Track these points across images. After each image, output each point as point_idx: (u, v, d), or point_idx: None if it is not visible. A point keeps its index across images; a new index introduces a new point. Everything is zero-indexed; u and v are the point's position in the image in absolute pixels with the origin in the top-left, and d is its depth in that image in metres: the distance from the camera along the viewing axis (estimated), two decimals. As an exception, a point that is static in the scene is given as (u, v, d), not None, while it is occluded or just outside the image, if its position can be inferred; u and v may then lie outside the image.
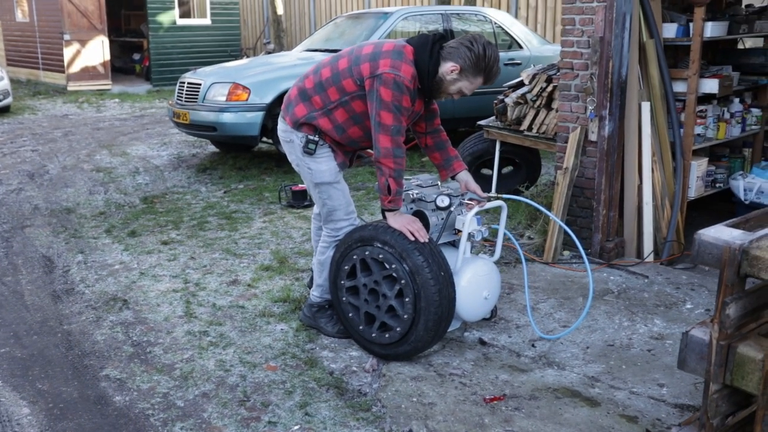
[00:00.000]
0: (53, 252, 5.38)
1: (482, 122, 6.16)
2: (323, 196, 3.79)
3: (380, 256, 3.59)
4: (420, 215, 3.85)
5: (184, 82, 7.88)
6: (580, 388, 3.48)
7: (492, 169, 6.37)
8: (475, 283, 3.81)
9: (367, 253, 3.65)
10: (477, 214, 3.83)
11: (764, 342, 2.73)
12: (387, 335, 3.64)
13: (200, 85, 7.57)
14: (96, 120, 11.99)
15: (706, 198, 5.68)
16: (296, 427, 3.12)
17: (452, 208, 3.77)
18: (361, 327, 3.76)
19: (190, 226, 5.91)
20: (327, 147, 3.71)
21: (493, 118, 6.09)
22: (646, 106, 4.98)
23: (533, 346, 3.91)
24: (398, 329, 3.60)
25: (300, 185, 6.41)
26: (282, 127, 3.77)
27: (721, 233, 2.77)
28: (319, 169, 3.71)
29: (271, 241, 5.49)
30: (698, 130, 5.26)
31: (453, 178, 3.92)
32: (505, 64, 8.30)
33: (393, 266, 3.55)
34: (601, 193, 4.93)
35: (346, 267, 3.77)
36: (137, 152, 9.22)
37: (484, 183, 6.30)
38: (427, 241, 3.56)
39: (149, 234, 5.73)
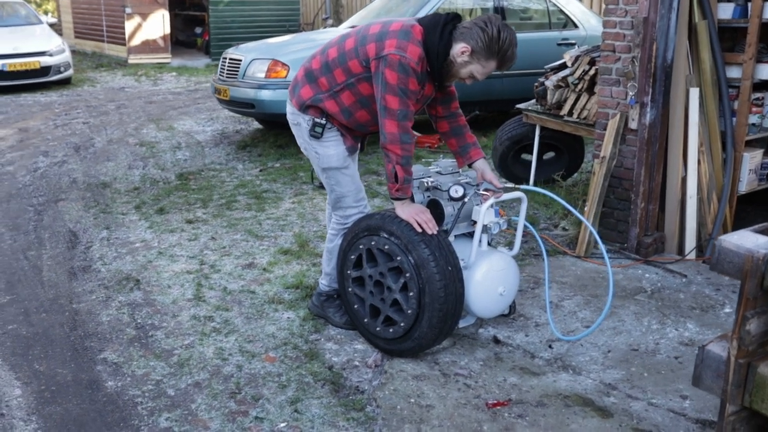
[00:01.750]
0: (80, 227, 5.39)
1: (521, 105, 5.87)
2: (331, 181, 3.62)
3: (386, 246, 3.41)
4: (435, 205, 3.65)
5: (226, 58, 7.80)
6: (594, 396, 3.25)
7: (533, 154, 6.09)
8: (490, 278, 3.60)
9: (373, 243, 3.48)
10: (493, 205, 3.60)
11: (789, 362, 2.44)
12: (391, 330, 3.47)
13: (241, 61, 7.48)
14: (150, 93, 12.10)
15: (765, 192, 5.27)
16: (283, 425, 2.98)
17: (466, 199, 3.55)
18: (366, 320, 3.60)
19: (218, 205, 5.83)
20: (335, 130, 3.53)
21: (533, 101, 5.80)
22: (694, 93, 4.62)
23: (550, 347, 3.68)
24: (402, 324, 3.42)
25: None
26: (289, 109, 3.61)
27: (744, 240, 2.48)
28: (327, 153, 3.54)
29: (296, 223, 5.37)
30: (753, 119, 4.87)
31: (470, 166, 3.69)
32: (559, 44, 7.94)
33: (398, 258, 3.37)
34: (640, 185, 4.62)
35: (352, 256, 3.60)
36: (183, 127, 9.23)
37: (524, 169, 6.04)
38: (435, 233, 3.35)
39: (177, 212, 5.68)
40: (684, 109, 4.63)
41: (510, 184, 3.73)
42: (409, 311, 3.37)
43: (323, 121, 3.48)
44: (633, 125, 4.57)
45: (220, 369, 3.41)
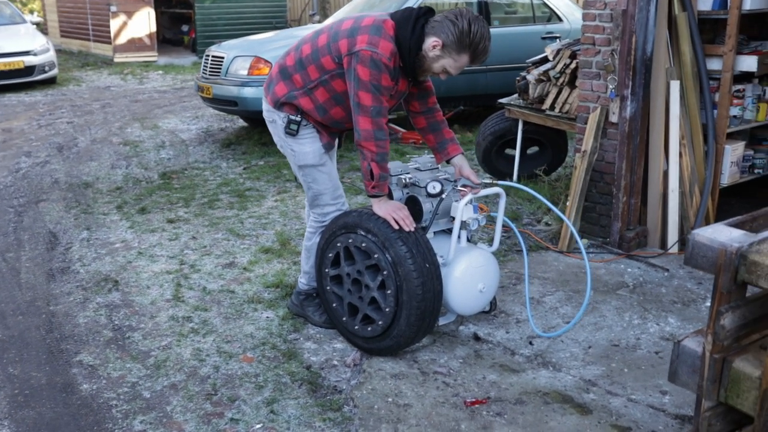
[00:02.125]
0: (60, 228, 5.34)
1: (503, 100, 5.85)
2: (308, 179, 3.58)
3: (363, 244, 3.38)
4: (413, 201, 3.62)
5: (209, 55, 7.75)
6: (573, 392, 3.23)
7: (516, 149, 6.07)
8: (469, 274, 3.57)
9: (350, 240, 3.45)
10: (472, 201, 3.58)
11: (765, 357, 2.42)
12: (369, 328, 3.44)
13: (224, 58, 7.43)
14: (136, 92, 12.02)
15: (748, 184, 5.26)
16: (258, 426, 2.95)
17: (443, 195, 3.52)
18: (344, 318, 3.57)
19: (200, 204, 5.79)
20: (311, 127, 3.49)
21: (515, 96, 5.77)
22: (675, 85, 4.60)
23: (530, 343, 3.65)
24: (380, 323, 3.39)
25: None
26: (265, 106, 3.57)
27: (718, 234, 2.46)
28: (303, 150, 3.51)
29: (278, 222, 5.33)
30: (734, 111, 4.85)
31: (448, 162, 3.66)
32: (543, 38, 7.90)
33: (376, 256, 3.34)
34: (622, 179, 4.60)
35: (330, 254, 3.57)
36: (168, 126, 9.17)
37: (508, 164, 6.02)
38: (412, 230, 3.32)
39: (158, 211, 5.64)
40: (665, 102, 4.61)
41: (488, 180, 3.69)
42: (386, 309, 3.35)
43: (298, 118, 3.44)
44: (614, 119, 4.55)
45: (196, 370, 3.37)
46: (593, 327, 3.81)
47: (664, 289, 4.22)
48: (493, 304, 3.91)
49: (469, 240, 3.83)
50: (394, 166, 3.73)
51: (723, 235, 2.45)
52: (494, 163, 6.09)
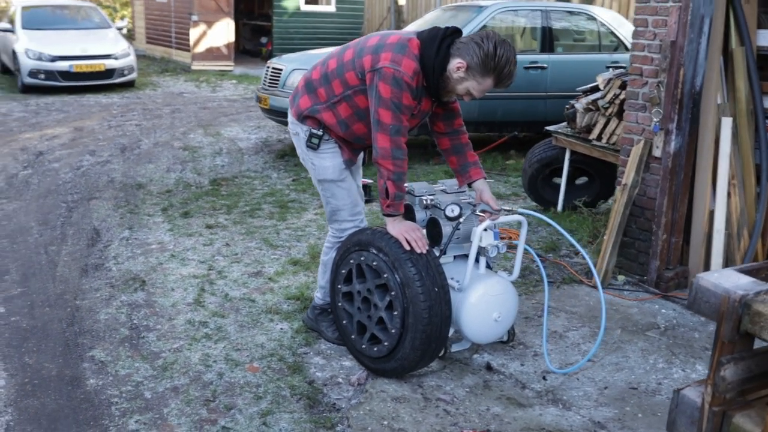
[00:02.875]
0: (104, 226, 5.49)
1: (551, 127, 5.72)
2: (326, 194, 3.58)
3: (374, 263, 3.35)
4: (434, 224, 3.57)
5: (269, 67, 7.88)
6: (579, 433, 3.10)
7: (569, 178, 5.94)
8: (484, 302, 3.49)
9: (362, 258, 3.42)
10: (494, 228, 3.51)
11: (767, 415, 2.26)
12: (375, 348, 3.40)
13: (282, 70, 7.54)
14: (207, 99, 12.34)
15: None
16: (248, 437, 2.94)
17: (461, 219, 3.46)
18: (353, 336, 3.53)
19: (241, 212, 5.87)
20: (332, 142, 3.49)
21: (564, 123, 5.65)
22: (726, 122, 4.41)
23: (544, 378, 3.53)
24: (386, 343, 3.34)
25: (365, 179, 6.21)
26: (289, 119, 3.59)
27: (724, 279, 2.32)
28: (323, 165, 3.50)
29: (313, 235, 5.35)
30: (791, 153, 4.60)
31: (470, 185, 3.60)
32: (608, 67, 7.73)
33: (385, 275, 3.30)
34: (663, 216, 4.42)
35: (343, 271, 3.55)
36: (229, 133, 9.36)
37: (554, 193, 5.89)
38: (424, 252, 3.27)
39: (200, 216, 5.74)
40: (714, 138, 4.42)
41: (508, 207, 3.60)
42: (392, 330, 3.30)
43: (320, 133, 3.44)
44: (657, 153, 4.39)
45: (201, 375, 3.39)
46: (613, 367, 3.66)
47: (697, 334, 4.02)
48: (511, 334, 3.80)
49: (489, 267, 3.76)
50: (419, 186, 3.70)
51: (729, 281, 2.31)
52: (540, 191, 5.96)
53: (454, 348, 3.69)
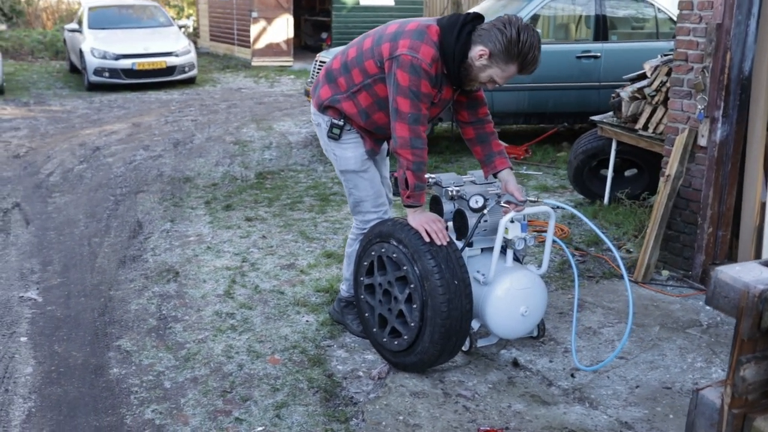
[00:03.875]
0: (148, 218, 5.59)
1: (596, 117, 5.53)
2: (349, 185, 3.53)
3: (394, 255, 3.28)
4: (461, 215, 3.48)
5: (317, 60, 7.88)
6: (603, 434, 2.97)
7: (618, 169, 5.74)
8: (511, 296, 3.38)
9: (383, 250, 3.35)
10: (523, 219, 3.40)
11: (793, 418, 2.11)
12: (396, 342, 3.34)
13: (329, 63, 7.51)
14: (263, 95, 12.47)
15: None
16: (260, 429, 2.92)
17: (486, 211, 3.36)
18: (375, 329, 3.48)
19: (282, 205, 5.88)
20: (354, 132, 3.43)
21: (611, 113, 5.45)
22: (778, 109, 4.17)
23: (572, 376, 3.40)
24: (406, 337, 3.28)
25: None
26: (311, 109, 3.55)
27: (745, 273, 2.16)
28: (345, 155, 3.45)
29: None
30: None
31: (495, 176, 3.49)
32: (664, 55, 7.44)
33: (405, 268, 3.23)
34: (708, 208, 4.21)
35: (365, 263, 3.50)
36: (281, 128, 9.42)
37: (602, 185, 5.70)
38: (444, 243, 3.19)
39: (241, 209, 5.78)
40: (765, 126, 4.18)
41: (533, 198, 3.48)
42: (412, 324, 3.23)
43: (341, 123, 3.39)
44: (702, 142, 4.18)
45: (221, 366, 3.40)
46: (647, 365, 3.50)
47: (742, 333, 3.80)
48: (541, 329, 3.68)
49: (519, 260, 3.65)
50: (446, 177, 3.62)
51: (750, 274, 2.15)
52: (586, 183, 5.78)
53: (481, 343, 3.59)
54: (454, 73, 3.13)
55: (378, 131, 3.43)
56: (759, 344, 2.14)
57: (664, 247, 4.51)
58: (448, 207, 3.60)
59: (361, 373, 3.38)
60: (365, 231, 3.56)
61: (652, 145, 4.96)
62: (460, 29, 3.07)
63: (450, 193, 3.52)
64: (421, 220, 3.21)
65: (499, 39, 3.00)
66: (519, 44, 2.99)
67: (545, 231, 3.59)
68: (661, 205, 4.36)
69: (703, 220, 4.25)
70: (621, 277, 4.47)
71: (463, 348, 3.52)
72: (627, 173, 5.88)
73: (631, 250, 4.79)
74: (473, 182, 3.65)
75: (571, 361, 3.52)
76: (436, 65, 3.06)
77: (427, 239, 3.17)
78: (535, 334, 3.69)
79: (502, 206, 3.38)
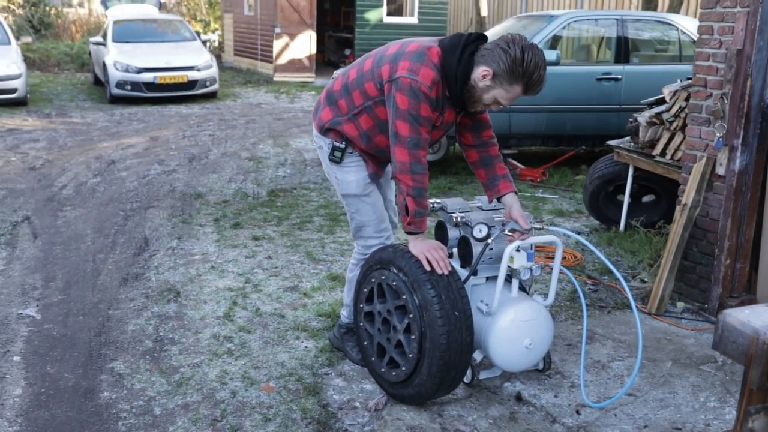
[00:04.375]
0: (155, 235, 5.53)
1: (612, 142, 5.39)
2: (351, 209, 3.43)
3: (394, 283, 3.17)
4: (465, 242, 3.37)
5: (333, 77, 7.81)
6: (607, 477, 2.82)
7: (635, 195, 5.61)
8: (515, 327, 3.25)
9: (383, 277, 3.25)
10: (531, 248, 3.28)
11: (805, 475, 1.96)
12: (394, 373, 3.22)
13: (345, 81, 7.45)
14: (283, 110, 12.45)
15: None
16: (247, 462, 2.82)
17: (490, 240, 3.24)
18: (373, 358, 3.37)
19: (291, 224, 5.80)
20: (356, 155, 3.34)
21: (628, 138, 5.31)
22: (801, 138, 4.01)
23: (578, 413, 3.26)
24: (404, 368, 3.16)
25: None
26: (313, 132, 3.47)
27: (755, 317, 2.03)
28: (346, 179, 3.36)
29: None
30: None
31: (499, 200, 3.37)
32: (688, 78, 7.29)
33: (404, 297, 3.12)
34: (726, 239, 4.06)
35: (365, 289, 3.39)
36: (298, 144, 9.38)
37: (618, 211, 5.56)
38: (446, 273, 3.07)
39: (250, 227, 5.70)
40: (787, 156, 4.03)
41: (538, 225, 3.35)
42: (410, 355, 3.11)
43: (342, 145, 3.30)
44: (720, 171, 4.04)
45: (214, 393, 3.30)
46: (657, 404, 3.34)
47: (759, 371, 3.64)
48: (547, 362, 3.54)
49: (526, 291, 3.53)
50: (452, 203, 3.51)
51: (761, 319, 2.02)
52: (602, 209, 5.63)
53: (484, 375, 3.46)
54: (457, 96, 3.03)
55: (380, 154, 3.33)
56: (769, 394, 2.00)
57: (679, 278, 4.36)
58: (453, 233, 3.49)
59: (357, 404, 3.27)
60: (366, 256, 3.46)
61: (670, 172, 4.82)
62: (462, 50, 2.97)
63: (455, 220, 3.41)
64: (422, 247, 3.10)
65: (502, 59, 2.90)
66: (524, 64, 2.88)
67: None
68: (677, 234, 4.21)
69: (721, 251, 4.09)
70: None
71: (465, 380, 3.40)
72: (644, 200, 5.73)
73: (646, 280, 4.64)
74: (480, 208, 3.54)
75: (577, 397, 3.38)
76: (436, 88, 2.97)
77: (428, 268, 3.06)
78: (540, 367, 3.56)
79: (507, 234, 3.26)
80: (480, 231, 3.26)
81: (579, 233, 5.66)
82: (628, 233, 5.37)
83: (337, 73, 7.87)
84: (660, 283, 4.24)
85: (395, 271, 3.18)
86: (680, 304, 4.36)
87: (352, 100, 3.21)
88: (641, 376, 3.58)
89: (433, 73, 2.94)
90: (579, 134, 7.51)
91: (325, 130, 3.33)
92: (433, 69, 2.94)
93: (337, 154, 3.32)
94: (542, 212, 6.26)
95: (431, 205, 3.58)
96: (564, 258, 5.00)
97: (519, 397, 3.38)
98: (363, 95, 3.16)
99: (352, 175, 3.35)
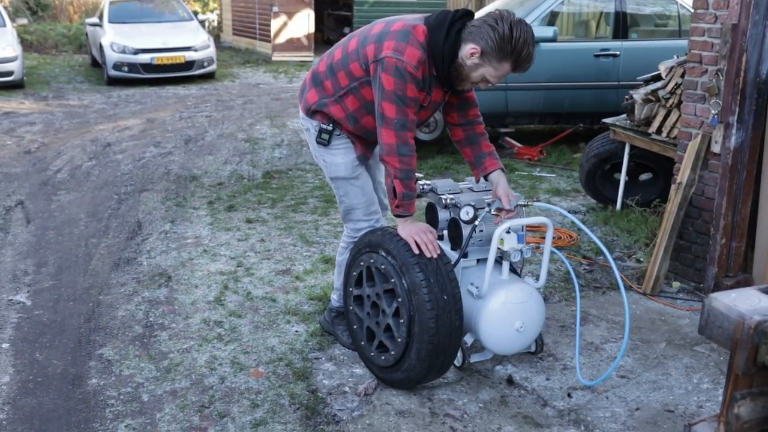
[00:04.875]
0: (148, 218, 5.50)
1: (608, 120, 5.32)
2: (339, 192, 3.38)
3: (383, 266, 3.13)
4: (455, 225, 3.32)
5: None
6: (597, 461, 2.80)
7: (632, 174, 5.55)
8: (505, 310, 3.22)
9: (372, 260, 3.21)
10: (522, 230, 3.24)
11: (792, 461, 1.93)
12: (383, 357, 3.19)
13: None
14: (280, 90, 12.36)
15: None
16: (233, 449, 2.80)
17: (477, 222, 3.19)
18: (362, 342, 3.34)
19: (285, 206, 5.75)
20: (344, 137, 3.29)
21: (624, 116, 5.24)
22: (799, 114, 3.94)
23: (569, 395, 3.23)
24: (393, 353, 3.13)
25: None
26: (300, 114, 3.41)
27: (741, 301, 1.99)
28: (334, 162, 3.31)
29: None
30: None
31: (486, 178, 3.32)
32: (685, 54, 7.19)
33: (392, 280, 3.08)
34: (721, 218, 4.00)
35: (354, 273, 3.35)
36: (295, 125, 9.31)
37: (614, 189, 5.50)
38: (434, 256, 3.03)
39: (244, 210, 5.66)
40: (784, 133, 3.96)
41: (523, 202, 3.30)
42: (399, 339, 3.08)
43: (330, 128, 3.25)
44: (716, 148, 3.97)
45: (203, 379, 3.28)
46: (650, 386, 3.31)
47: (754, 351, 3.60)
48: (539, 344, 3.51)
49: (517, 273, 3.48)
50: (442, 184, 3.45)
51: (747, 303, 1.98)
52: (599, 188, 5.58)
53: (475, 358, 3.43)
54: (444, 74, 2.97)
55: (368, 136, 3.28)
56: (756, 380, 1.97)
57: (675, 258, 4.31)
58: (443, 215, 3.44)
59: (347, 389, 3.24)
60: (356, 239, 3.42)
61: (666, 150, 4.75)
62: (449, 28, 2.91)
63: (444, 202, 3.36)
64: (410, 230, 3.06)
65: (490, 36, 2.83)
66: (512, 41, 2.82)
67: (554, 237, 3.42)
68: (672, 213, 4.16)
69: (716, 230, 4.04)
70: (629, 288, 4.28)
71: (456, 363, 3.38)
72: (642, 178, 5.67)
73: (642, 259, 4.59)
74: (470, 189, 3.49)
75: (569, 380, 3.35)
76: (423, 67, 2.91)
77: (416, 251, 3.02)
78: (532, 349, 3.52)
79: (493, 214, 3.21)
80: (467, 213, 3.21)
81: (575, 212, 5.60)
82: (624, 212, 5.32)
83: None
84: (655, 263, 4.19)
85: (384, 254, 3.14)
86: (676, 284, 4.32)
87: (337, 81, 3.15)
88: (634, 358, 3.55)
89: (419, 53, 2.88)
90: (577, 112, 7.42)
91: (311, 112, 3.28)
92: (419, 48, 2.88)
93: (325, 136, 3.27)
94: (539, 191, 6.21)
95: (421, 187, 3.54)
96: (559, 238, 4.96)
97: (510, 381, 3.35)
98: (348, 76, 3.10)
99: (340, 157, 3.30)
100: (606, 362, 3.51)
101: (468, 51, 2.89)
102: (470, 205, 3.20)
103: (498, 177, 3.23)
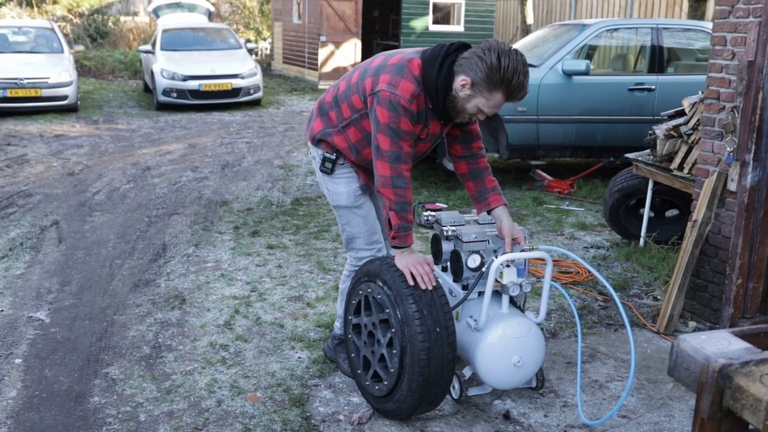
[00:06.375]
0: (173, 241, 5.62)
1: (631, 155, 5.26)
2: (342, 220, 3.43)
3: (379, 296, 3.15)
4: (457, 257, 3.33)
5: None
6: (585, 502, 2.74)
7: (658, 210, 5.47)
8: (502, 344, 3.20)
9: (369, 290, 3.23)
10: (524, 264, 3.23)
11: None
12: (377, 387, 3.20)
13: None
14: (323, 118, 12.51)
15: None
16: (219, 472, 2.83)
17: (484, 268, 3.20)
18: (359, 371, 3.35)
19: (308, 233, 5.82)
20: (348, 167, 3.34)
21: (647, 151, 5.17)
22: (820, 154, 3.85)
23: (566, 434, 3.18)
24: (386, 383, 3.14)
25: (436, 203, 6.00)
26: (308, 143, 3.48)
27: (709, 344, 1.95)
28: (337, 190, 3.36)
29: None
30: None
31: (489, 213, 3.32)
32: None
33: (387, 310, 3.10)
34: (737, 258, 3.91)
35: (353, 301, 3.38)
36: (331, 153, 9.40)
37: (639, 225, 5.42)
38: (430, 288, 3.04)
39: (267, 236, 5.75)
40: (804, 172, 3.86)
41: (526, 245, 3.29)
42: (391, 370, 3.09)
43: (333, 156, 3.31)
44: (732, 187, 3.90)
45: (200, 401, 3.33)
46: (652, 427, 3.24)
47: (765, 396, 3.49)
48: (539, 380, 3.47)
49: (519, 307, 3.46)
50: (446, 216, 3.48)
51: (715, 346, 1.94)
52: (622, 223, 5.50)
53: (473, 391, 3.41)
54: (440, 107, 3.00)
55: (370, 166, 3.31)
56: (723, 425, 1.92)
57: (692, 297, 4.22)
58: (447, 247, 3.46)
59: (341, 417, 3.25)
60: (358, 268, 3.45)
61: (687, 186, 4.67)
62: (442, 61, 2.94)
63: (446, 234, 3.38)
64: (407, 261, 3.07)
65: (479, 66, 2.86)
66: (501, 70, 2.83)
67: (568, 271, 3.39)
68: (687, 252, 4.08)
69: (732, 270, 3.95)
70: (643, 326, 4.20)
71: (454, 395, 3.36)
72: (668, 214, 5.58)
73: (659, 297, 4.51)
74: (476, 221, 3.50)
75: (567, 417, 3.30)
76: (417, 101, 2.94)
77: (411, 282, 3.03)
78: (533, 384, 3.49)
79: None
80: (474, 261, 3.24)
81: (597, 248, 5.53)
82: (647, 248, 5.23)
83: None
84: (669, 301, 4.11)
85: (380, 284, 3.16)
86: (692, 324, 4.22)
87: (341, 112, 3.21)
88: (638, 398, 3.47)
89: (413, 86, 2.92)
90: (610, 145, 7.35)
91: (316, 141, 3.35)
92: (413, 82, 2.92)
93: (328, 165, 3.32)
94: (564, 225, 6.15)
95: (426, 218, 3.57)
96: (577, 272, 4.90)
97: (507, 416, 3.31)
98: (350, 108, 3.16)
99: (342, 186, 3.35)
100: (609, 401, 3.45)
101: (459, 83, 2.92)
102: (477, 252, 3.22)
103: (501, 213, 3.24)
